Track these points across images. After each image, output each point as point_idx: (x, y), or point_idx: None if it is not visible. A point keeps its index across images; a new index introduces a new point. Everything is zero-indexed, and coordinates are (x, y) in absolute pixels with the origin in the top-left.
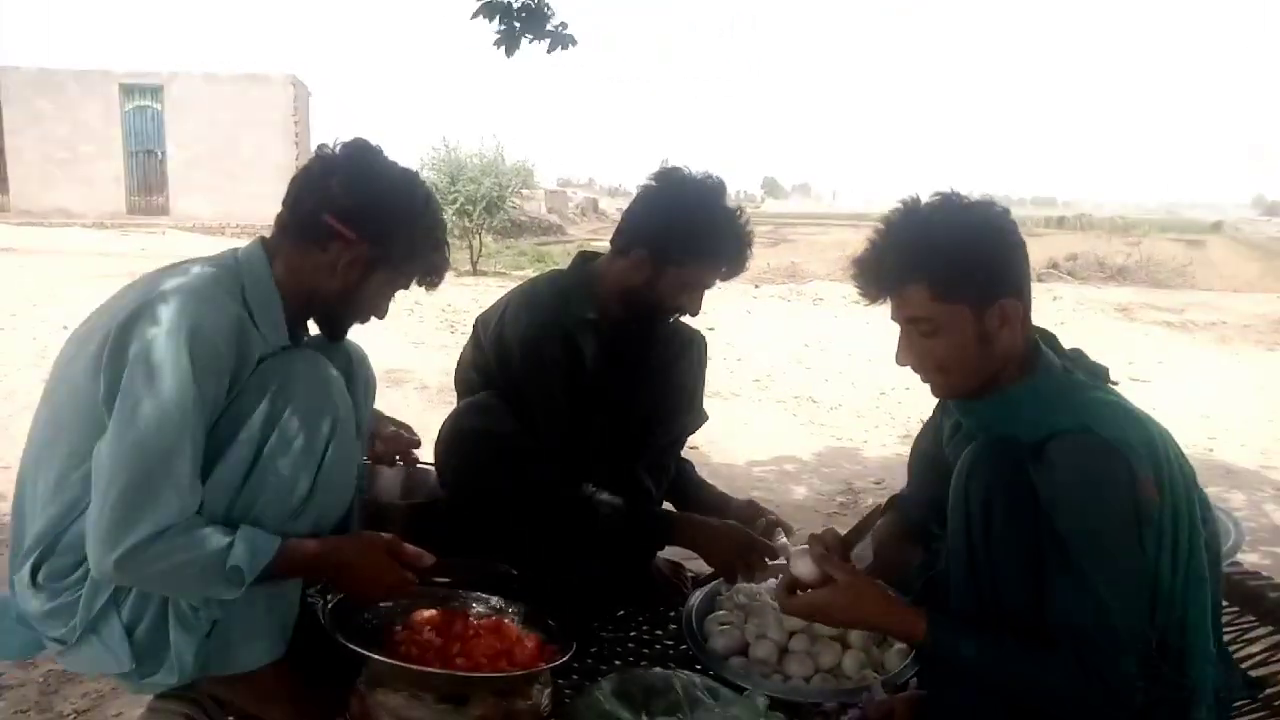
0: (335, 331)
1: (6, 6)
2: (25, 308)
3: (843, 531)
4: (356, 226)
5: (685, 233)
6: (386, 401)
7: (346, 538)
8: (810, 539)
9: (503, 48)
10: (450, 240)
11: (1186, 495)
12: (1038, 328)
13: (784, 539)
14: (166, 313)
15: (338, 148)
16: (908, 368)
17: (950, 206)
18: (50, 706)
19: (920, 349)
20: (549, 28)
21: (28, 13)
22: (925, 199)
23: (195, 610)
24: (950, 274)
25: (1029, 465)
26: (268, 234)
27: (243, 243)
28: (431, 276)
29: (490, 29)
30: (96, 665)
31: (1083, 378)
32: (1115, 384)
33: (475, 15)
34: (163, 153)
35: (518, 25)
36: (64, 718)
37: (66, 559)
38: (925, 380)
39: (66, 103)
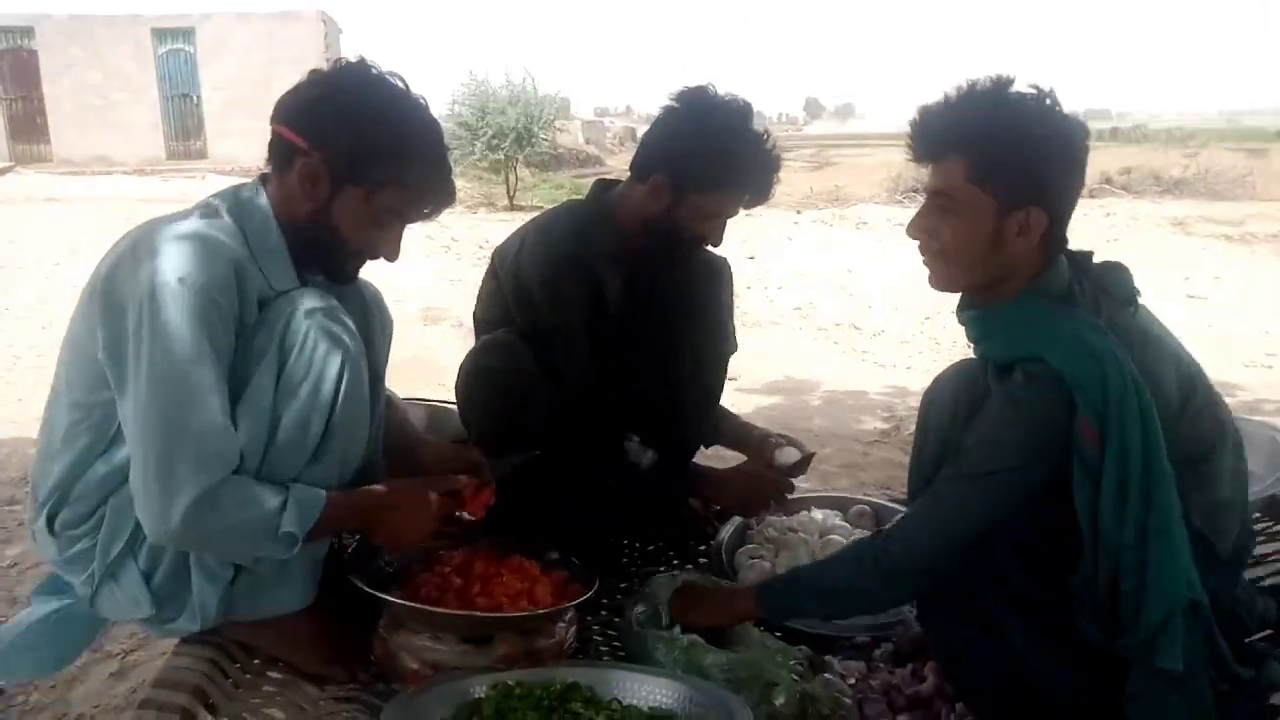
0: (334, 269)
1: None
2: (69, 256)
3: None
4: (304, 131)
5: (706, 158)
6: (425, 339)
7: (383, 486)
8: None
9: None
10: (487, 175)
11: (1144, 439)
12: (1079, 251)
13: (790, 452)
14: (159, 264)
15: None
16: (917, 243)
17: (1033, 101)
18: (99, 646)
19: (933, 224)
20: None
21: None
22: (1018, 84)
23: (218, 560)
24: (992, 159)
25: (992, 383)
26: None
27: None
28: (416, 196)
29: None
30: (118, 611)
31: (1084, 302)
32: (1134, 309)
33: None
34: (198, 96)
35: None
36: (113, 656)
37: (80, 508)
38: (926, 264)
39: (98, 49)
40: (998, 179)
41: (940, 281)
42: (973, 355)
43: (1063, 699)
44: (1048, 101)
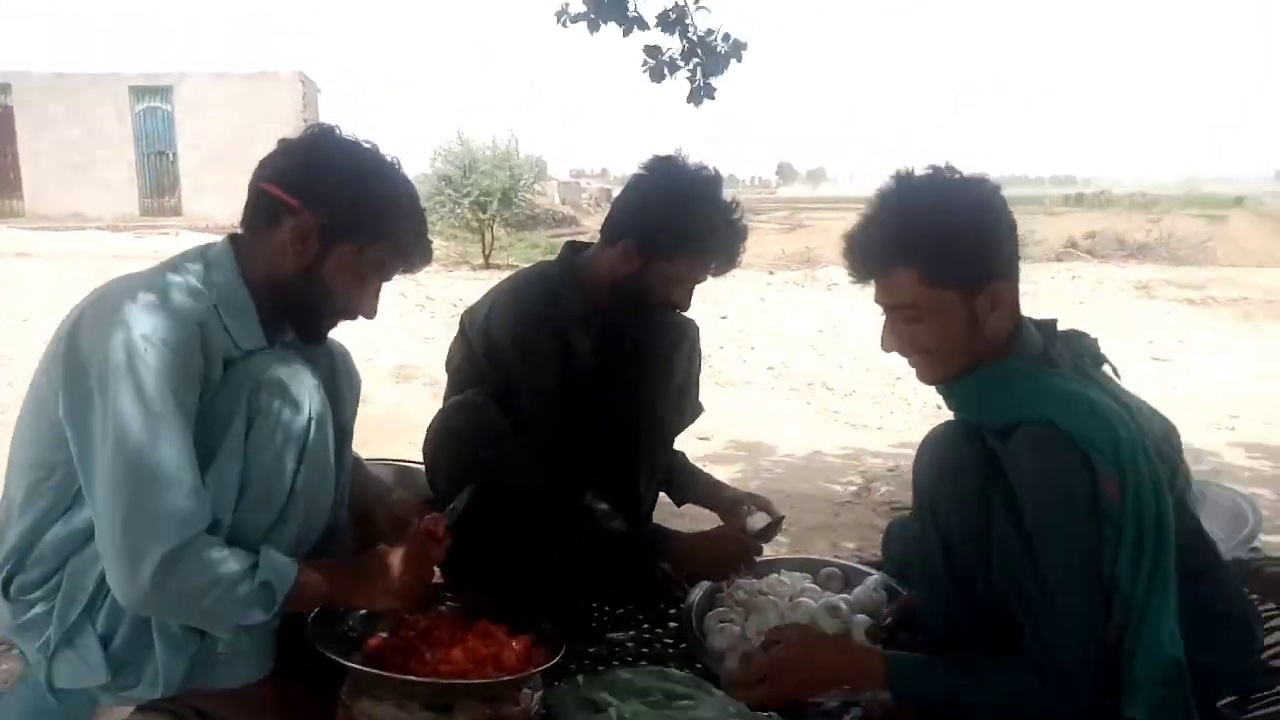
0: (309, 329)
1: (16, 11)
2: (37, 312)
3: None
4: (296, 190)
5: (674, 226)
6: (396, 398)
7: (365, 556)
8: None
9: (695, 102)
10: (463, 234)
11: (1156, 496)
12: (1043, 319)
13: (759, 517)
14: (123, 321)
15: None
16: (894, 353)
17: (941, 186)
18: None
19: (905, 334)
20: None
21: (38, 17)
22: (917, 174)
23: (183, 626)
24: (941, 258)
25: (995, 446)
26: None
27: None
28: (403, 251)
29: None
30: (74, 679)
31: (1065, 365)
32: (1107, 367)
33: (655, 80)
34: (174, 153)
35: (699, 77)
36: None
37: (36, 571)
38: (911, 365)
39: (78, 106)
40: (953, 273)
41: (930, 378)
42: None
43: None
44: (953, 178)
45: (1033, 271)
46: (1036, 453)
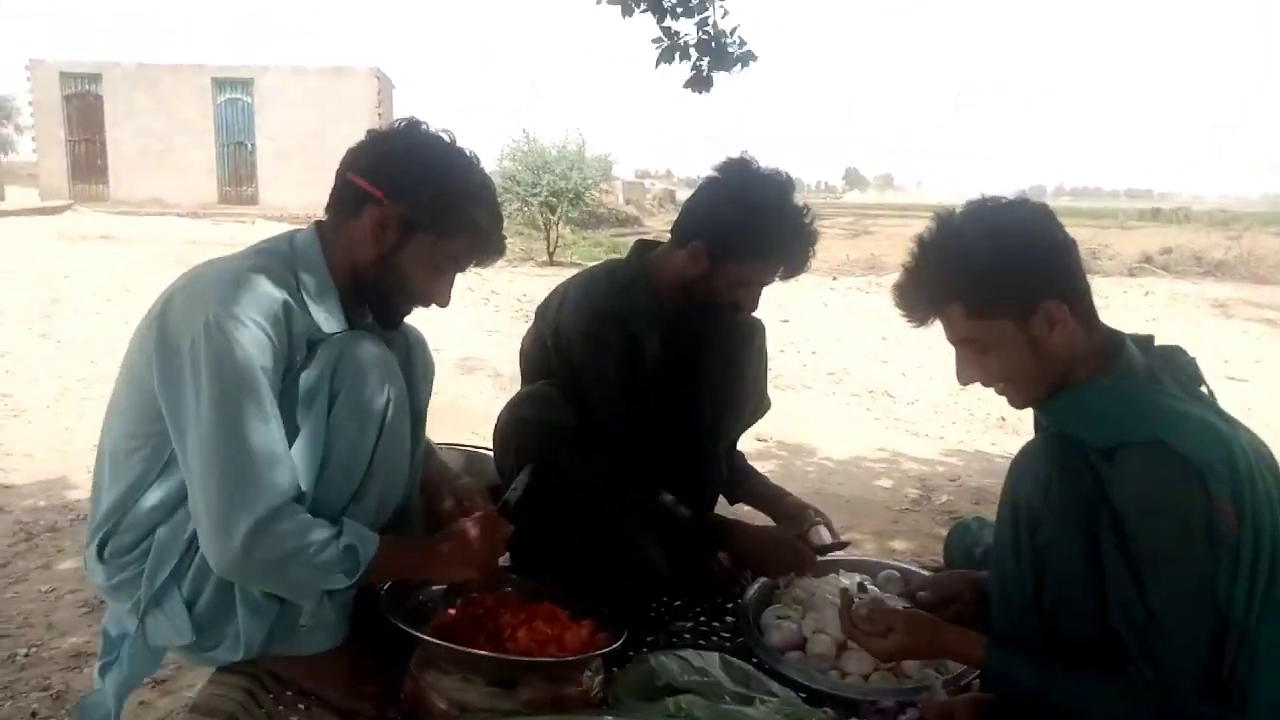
0: (387, 315)
1: (107, 5)
2: (119, 293)
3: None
4: (380, 181)
5: (744, 229)
6: (460, 388)
7: (439, 534)
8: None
9: (694, 89)
10: (528, 230)
11: (1272, 519)
12: (1139, 335)
13: (824, 533)
14: (212, 300)
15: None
16: (975, 384)
17: (978, 218)
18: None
19: (978, 366)
20: (735, 51)
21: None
22: (957, 211)
23: (264, 593)
24: (980, 292)
25: (1100, 466)
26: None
27: None
28: (480, 245)
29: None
30: (162, 638)
31: (1168, 383)
32: (1206, 388)
33: (659, 63)
34: (252, 144)
35: (704, 67)
36: (141, 685)
37: (129, 536)
38: (999, 394)
39: (162, 96)
40: (998, 304)
41: (1020, 402)
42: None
43: None
44: (993, 207)
45: (1105, 287)
46: (1149, 474)
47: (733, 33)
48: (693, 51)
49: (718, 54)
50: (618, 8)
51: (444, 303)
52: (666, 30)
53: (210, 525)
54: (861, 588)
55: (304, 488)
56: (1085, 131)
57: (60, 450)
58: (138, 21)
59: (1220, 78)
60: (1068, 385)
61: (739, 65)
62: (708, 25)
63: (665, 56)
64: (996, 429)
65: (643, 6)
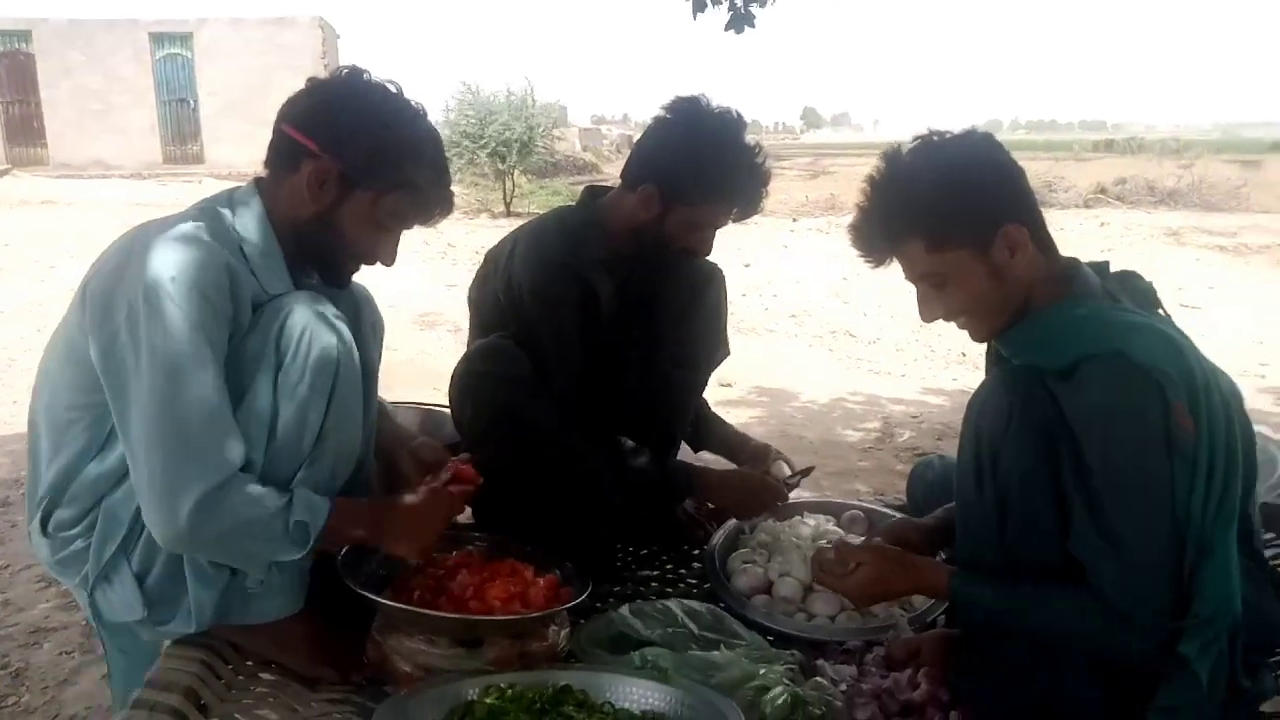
0: (333, 274)
1: None
2: (64, 259)
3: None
4: (316, 134)
5: (695, 170)
6: (420, 343)
7: (390, 498)
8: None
9: (736, 29)
10: (483, 181)
11: (1226, 428)
12: (1095, 261)
13: (785, 467)
14: (151, 264)
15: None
16: (937, 321)
17: (926, 152)
18: (93, 649)
19: (939, 301)
20: None
21: None
22: (904, 148)
23: (213, 563)
24: (938, 223)
25: (1055, 387)
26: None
27: None
28: (421, 201)
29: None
30: (113, 613)
31: (1125, 302)
32: (1162, 310)
33: (696, 14)
34: (195, 100)
35: (740, 3)
36: (103, 658)
37: (73, 509)
38: (960, 328)
39: (97, 54)
40: (955, 233)
41: (981, 335)
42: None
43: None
44: (938, 140)
45: (1060, 218)
46: (1107, 382)
47: None
48: None
49: None
50: None
51: (389, 262)
52: None
53: (154, 499)
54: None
55: (252, 455)
56: (1040, 65)
57: (8, 422)
58: None
59: (1174, 8)
60: (1027, 313)
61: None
62: None
63: (698, 5)
64: (957, 365)
65: None
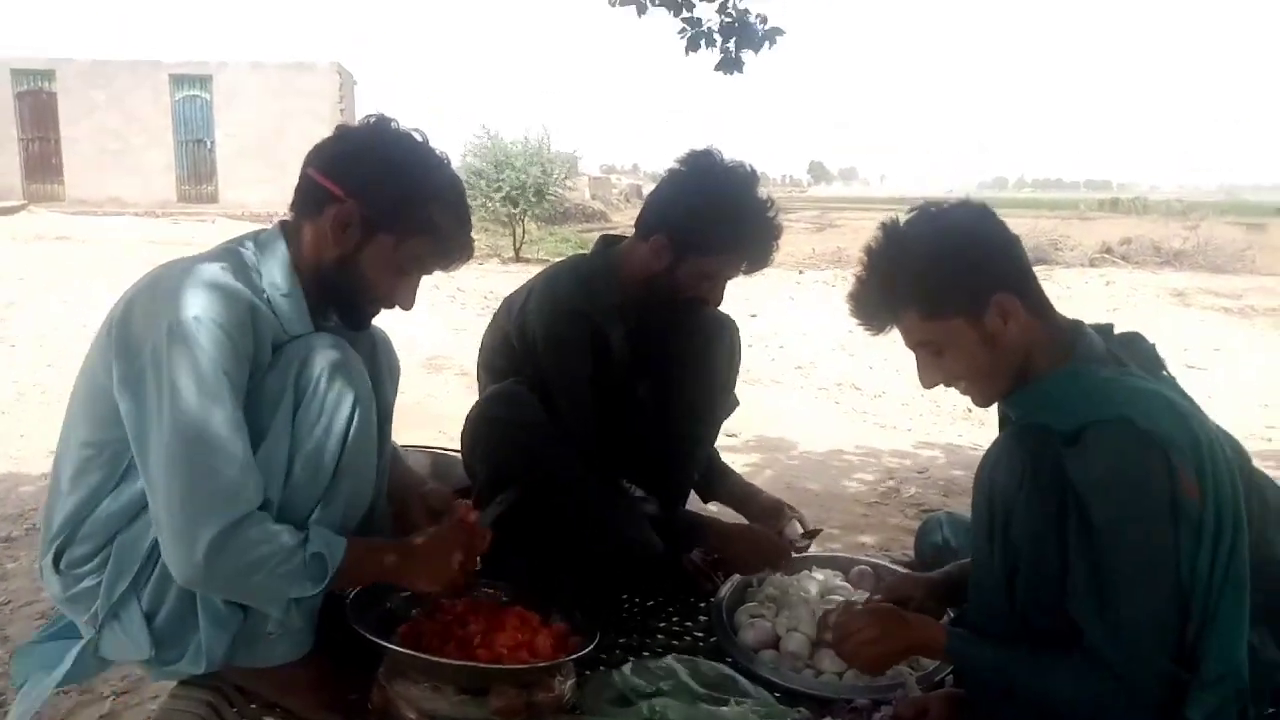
0: (353, 317)
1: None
2: (77, 295)
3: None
4: (342, 179)
5: (708, 222)
6: (428, 386)
7: (406, 539)
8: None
9: (725, 71)
10: (494, 227)
11: (1233, 494)
12: (1098, 323)
13: (798, 527)
14: (176, 302)
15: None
16: (938, 387)
17: (921, 222)
18: (91, 687)
19: (937, 368)
20: (760, 29)
21: (80, 5)
22: (901, 219)
23: (227, 603)
24: (930, 294)
25: (1063, 452)
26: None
27: None
28: (443, 247)
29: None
30: (120, 651)
31: (1131, 366)
32: (1167, 373)
33: (688, 51)
34: (212, 141)
35: (732, 48)
36: (103, 698)
37: (86, 546)
38: (961, 393)
39: (118, 93)
40: (949, 303)
41: (982, 400)
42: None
43: None
44: (933, 211)
45: (1066, 276)
46: (1112, 448)
47: (753, 14)
48: (718, 37)
49: (744, 34)
50: (631, 8)
51: (407, 305)
52: (689, 20)
53: (173, 535)
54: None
55: (270, 493)
56: (1045, 124)
57: (15, 457)
58: (91, 16)
59: (1178, 71)
60: (1029, 377)
61: (767, 43)
62: (729, 8)
63: (692, 45)
64: (963, 421)
65: (656, 2)
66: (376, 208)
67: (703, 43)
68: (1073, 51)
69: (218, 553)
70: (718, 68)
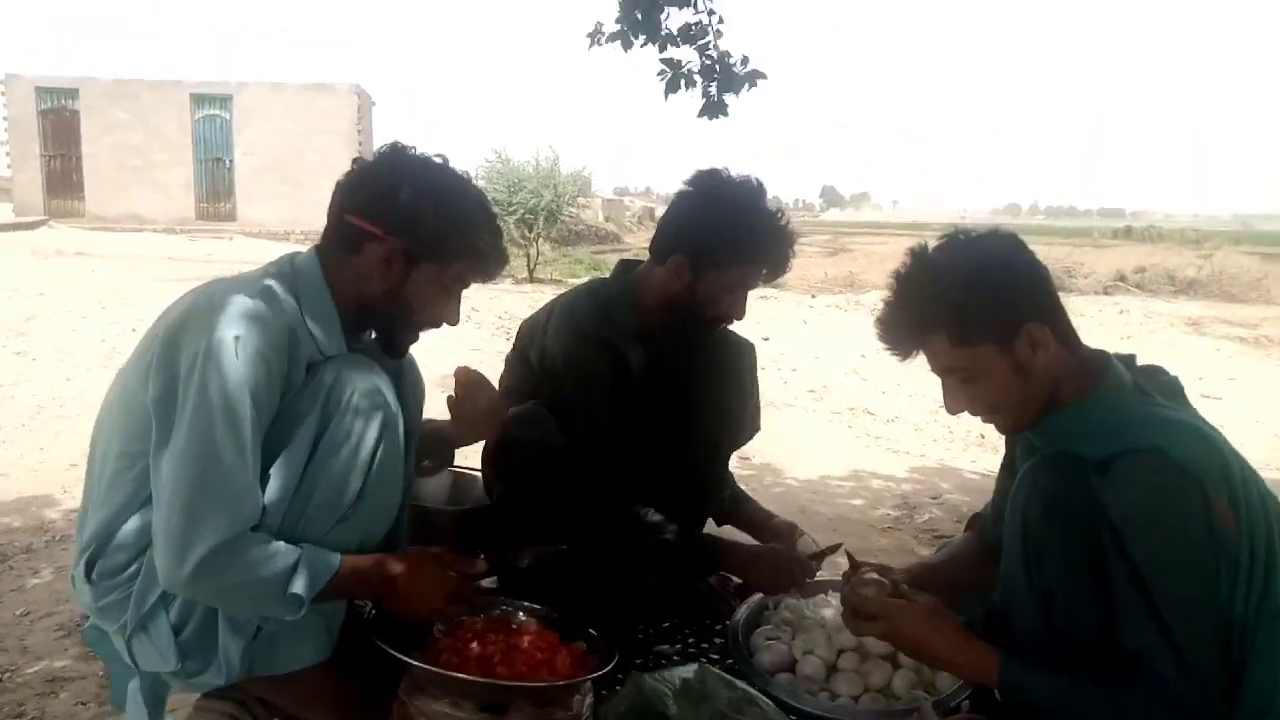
0: (393, 345)
1: (85, 20)
2: (95, 310)
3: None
4: (379, 220)
5: (721, 234)
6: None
7: (397, 555)
8: (865, 576)
9: (709, 116)
10: (509, 249)
11: (1265, 522)
12: (1122, 354)
13: (811, 543)
14: (216, 324)
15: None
16: (963, 414)
17: (952, 250)
18: (109, 699)
19: (964, 395)
20: (740, 71)
21: (104, 25)
22: (931, 245)
23: None
24: (962, 320)
25: (1094, 480)
26: None
27: (305, 248)
28: (483, 263)
29: (644, 73)
30: (148, 662)
31: (1156, 396)
32: (1190, 406)
33: (667, 94)
34: (231, 160)
35: (713, 91)
36: (122, 711)
37: (118, 557)
38: (986, 422)
39: (140, 112)
40: (980, 330)
41: (1006, 429)
42: (1037, 454)
43: None
44: (965, 239)
45: (1080, 304)
46: (1147, 480)
47: (734, 57)
48: (698, 79)
49: (724, 77)
50: (618, 43)
51: (454, 321)
52: (668, 61)
53: (166, 543)
54: None
55: (275, 509)
56: (1059, 150)
57: (35, 470)
58: (115, 36)
59: (1194, 99)
60: (1056, 407)
61: (747, 85)
62: (709, 51)
63: (671, 87)
64: (976, 446)
65: (642, 40)
66: (419, 241)
67: (682, 84)
68: (1087, 78)
69: (204, 571)
70: (702, 113)
